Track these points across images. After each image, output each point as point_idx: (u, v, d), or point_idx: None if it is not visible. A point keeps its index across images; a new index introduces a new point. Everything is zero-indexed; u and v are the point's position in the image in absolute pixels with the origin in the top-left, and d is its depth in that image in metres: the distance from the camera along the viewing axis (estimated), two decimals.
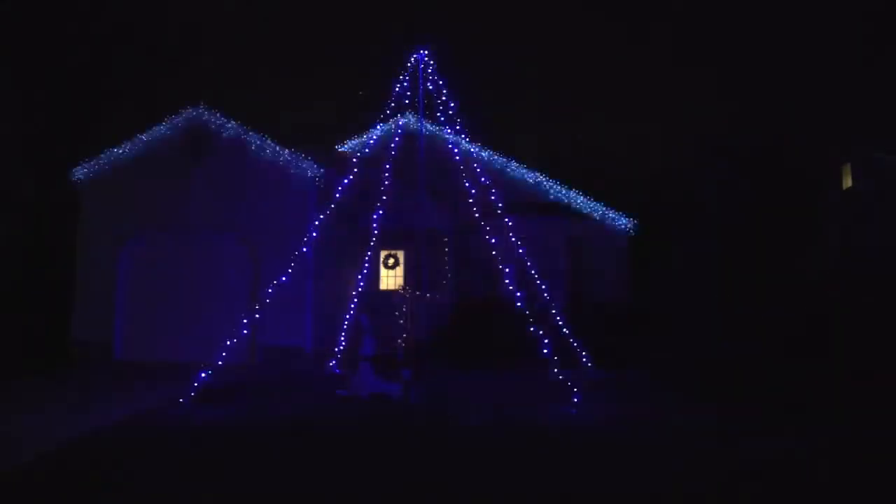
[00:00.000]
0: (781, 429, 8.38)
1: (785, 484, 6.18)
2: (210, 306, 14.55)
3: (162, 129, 15.37)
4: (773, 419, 8.97)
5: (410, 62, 12.50)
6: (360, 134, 19.04)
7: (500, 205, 12.41)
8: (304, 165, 15.21)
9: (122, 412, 9.16)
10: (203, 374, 9.89)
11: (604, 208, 18.32)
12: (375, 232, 12.49)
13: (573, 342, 12.26)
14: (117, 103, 21.08)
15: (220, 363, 10.19)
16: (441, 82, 12.65)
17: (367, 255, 13.71)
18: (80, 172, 15.47)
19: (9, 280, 17.27)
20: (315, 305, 15.01)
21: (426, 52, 12.46)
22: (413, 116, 16.64)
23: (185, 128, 15.06)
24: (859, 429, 8.29)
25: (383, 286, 18.29)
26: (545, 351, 10.52)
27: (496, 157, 18.47)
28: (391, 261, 18.04)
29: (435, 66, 12.61)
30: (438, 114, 12.83)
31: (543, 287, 12.43)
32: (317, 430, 8.48)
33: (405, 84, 12.42)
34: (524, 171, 18.44)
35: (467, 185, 12.37)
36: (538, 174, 18.47)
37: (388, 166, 12.24)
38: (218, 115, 15.24)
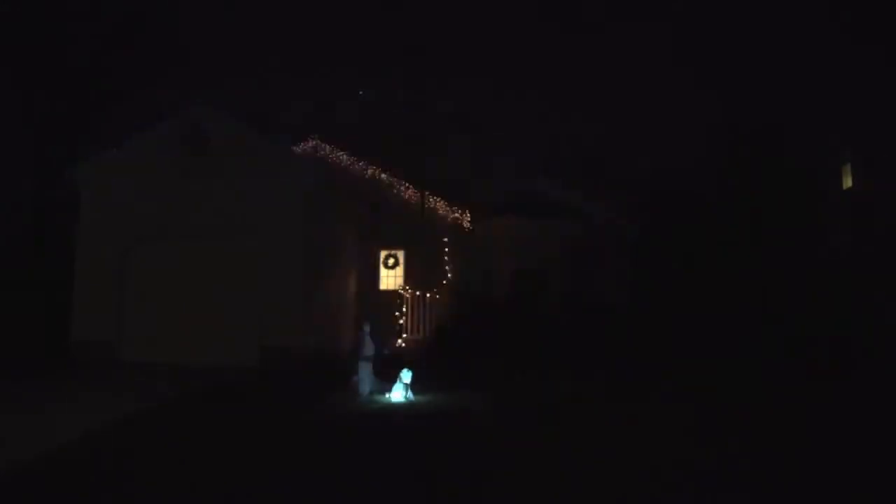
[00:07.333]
0: None
1: None
2: (210, 306, 14.47)
3: (161, 128, 15.30)
4: None
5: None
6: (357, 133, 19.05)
7: (499, 205, 12.42)
8: (305, 166, 15.17)
9: (121, 412, 9.14)
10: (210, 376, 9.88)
11: (604, 208, 18.31)
12: (376, 232, 12.50)
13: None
14: (117, 103, 21.05)
15: (220, 364, 10.19)
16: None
17: (367, 256, 13.82)
18: (79, 172, 15.44)
19: (8, 279, 17.24)
20: (316, 306, 14.98)
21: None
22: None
23: (185, 127, 14.98)
24: None
25: (383, 286, 18.26)
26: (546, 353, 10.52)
27: (496, 156, 18.48)
28: (391, 261, 18.02)
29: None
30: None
31: (542, 288, 12.44)
32: (307, 426, 8.49)
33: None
34: (525, 170, 18.44)
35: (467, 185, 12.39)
36: (539, 174, 18.47)
37: (387, 165, 12.25)
38: (217, 114, 15.19)
